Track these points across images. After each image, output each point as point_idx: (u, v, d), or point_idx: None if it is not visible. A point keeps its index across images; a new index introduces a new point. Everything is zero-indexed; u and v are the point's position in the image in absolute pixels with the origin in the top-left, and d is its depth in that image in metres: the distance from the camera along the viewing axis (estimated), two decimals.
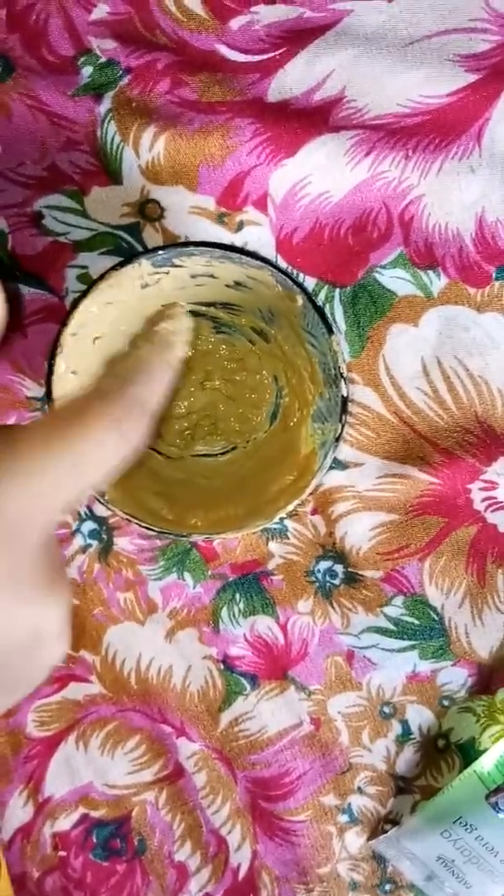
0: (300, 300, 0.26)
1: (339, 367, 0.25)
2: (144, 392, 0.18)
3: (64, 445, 0.15)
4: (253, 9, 0.30)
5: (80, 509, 0.32)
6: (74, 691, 0.32)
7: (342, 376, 0.25)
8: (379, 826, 0.32)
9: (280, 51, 0.30)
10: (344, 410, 0.26)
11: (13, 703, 0.17)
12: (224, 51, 0.30)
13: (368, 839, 0.32)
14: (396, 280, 0.31)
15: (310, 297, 0.25)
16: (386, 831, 0.32)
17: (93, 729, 0.32)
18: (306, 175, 0.30)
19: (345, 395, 0.26)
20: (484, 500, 0.31)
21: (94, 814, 0.32)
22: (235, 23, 0.30)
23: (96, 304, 0.25)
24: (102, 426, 0.16)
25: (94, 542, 0.32)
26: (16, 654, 0.16)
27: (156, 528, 0.26)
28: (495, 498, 0.31)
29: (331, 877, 0.32)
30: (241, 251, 0.25)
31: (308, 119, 0.30)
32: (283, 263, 0.30)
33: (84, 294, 0.25)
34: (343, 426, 0.26)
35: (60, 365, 0.25)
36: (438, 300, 0.31)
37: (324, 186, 0.30)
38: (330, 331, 0.25)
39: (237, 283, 0.27)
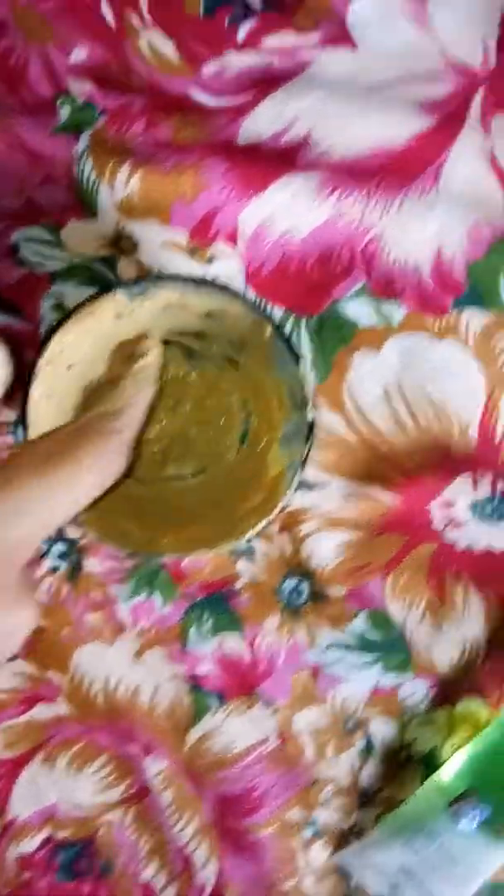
0: (268, 330, 0.27)
1: (305, 394, 0.27)
2: (126, 426, 0.21)
3: (59, 477, 0.18)
4: (224, 56, 0.31)
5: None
6: (41, 712, 0.32)
7: (308, 402, 0.27)
8: (344, 839, 0.33)
9: (249, 95, 0.31)
10: (310, 434, 0.27)
11: None
12: (197, 94, 0.31)
13: (333, 852, 0.33)
14: (359, 310, 0.32)
15: (277, 328, 0.27)
16: (350, 843, 0.33)
17: (59, 749, 0.32)
18: (274, 212, 0.31)
19: (310, 420, 0.27)
20: (442, 518, 0.33)
21: (60, 834, 0.32)
22: (207, 68, 0.31)
23: (72, 333, 0.26)
24: (91, 459, 0.19)
25: (63, 564, 0.32)
26: None
27: (128, 549, 0.27)
28: (453, 517, 0.33)
29: (295, 892, 0.33)
30: (212, 284, 0.26)
31: (276, 160, 0.31)
32: (252, 295, 0.32)
33: (60, 323, 0.26)
34: (309, 449, 0.27)
35: (35, 391, 0.26)
36: (399, 329, 0.32)
37: (290, 223, 0.32)
38: (296, 359, 0.27)
39: (208, 314, 0.28)
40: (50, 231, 0.31)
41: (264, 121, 0.31)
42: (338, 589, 0.33)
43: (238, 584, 0.33)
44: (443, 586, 0.33)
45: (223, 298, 0.27)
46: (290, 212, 0.31)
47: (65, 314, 0.26)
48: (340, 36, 0.32)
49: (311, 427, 0.27)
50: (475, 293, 0.32)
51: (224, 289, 0.26)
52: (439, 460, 0.33)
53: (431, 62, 0.32)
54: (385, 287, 0.32)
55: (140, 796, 0.33)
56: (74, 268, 0.31)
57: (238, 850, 0.33)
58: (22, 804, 0.32)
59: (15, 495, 0.17)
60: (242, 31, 0.31)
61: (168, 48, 0.31)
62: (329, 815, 0.33)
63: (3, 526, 0.17)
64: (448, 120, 0.32)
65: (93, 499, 0.19)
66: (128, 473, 0.31)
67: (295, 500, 0.32)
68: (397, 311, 0.32)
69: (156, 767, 0.32)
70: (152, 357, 0.25)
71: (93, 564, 0.32)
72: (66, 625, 0.32)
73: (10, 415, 0.32)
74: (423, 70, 0.32)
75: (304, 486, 0.32)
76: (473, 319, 0.32)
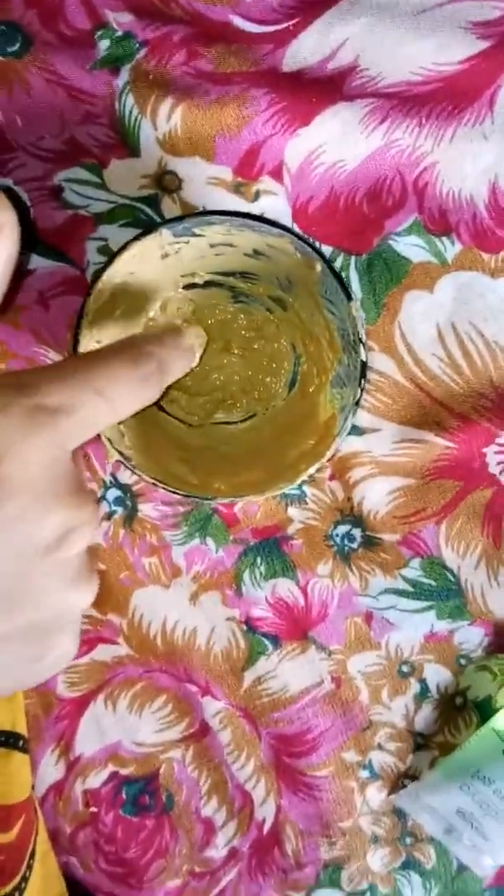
0: (318, 267, 0.26)
1: (359, 333, 0.26)
2: (160, 352, 0.21)
3: (93, 385, 0.19)
4: None
5: (104, 478, 0.33)
6: (102, 653, 0.33)
7: (361, 341, 0.26)
8: (399, 781, 0.33)
9: (294, 21, 0.30)
10: (363, 375, 0.26)
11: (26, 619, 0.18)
12: (238, 22, 0.30)
13: (389, 794, 0.33)
14: (411, 247, 0.31)
15: (328, 264, 0.26)
16: (406, 786, 0.33)
17: (121, 689, 0.33)
18: (321, 144, 0.30)
19: (364, 359, 0.26)
20: (499, 463, 0.32)
21: (124, 771, 0.34)
22: None
23: (119, 274, 0.26)
24: (125, 373, 0.20)
25: (119, 509, 0.33)
26: (35, 558, 0.17)
27: (181, 492, 0.27)
28: None
29: (353, 830, 0.34)
30: (260, 219, 0.25)
31: (322, 88, 0.30)
32: (299, 232, 0.31)
33: (107, 264, 0.25)
34: (362, 390, 0.26)
35: (86, 334, 0.26)
36: (453, 266, 0.31)
37: (338, 155, 0.30)
38: (349, 296, 0.26)
39: (256, 252, 0.27)
40: (93, 171, 0.30)
41: (309, 47, 0.30)
42: (390, 535, 0.32)
43: (290, 530, 0.33)
44: (498, 532, 0.32)
45: (270, 235, 0.26)
46: (338, 143, 0.30)
47: (109, 256, 0.25)
48: None
49: (364, 367, 0.26)
50: None
51: (271, 224, 0.25)
52: (496, 403, 0.32)
53: None
54: (438, 221, 0.31)
55: (199, 735, 0.33)
56: (118, 208, 0.31)
57: (296, 789, 0.33)
58: (87, 742, 0.33)
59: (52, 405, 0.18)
60: None
61: None
62: (384, 757, 0.33)
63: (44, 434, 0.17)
64: (502, 43, 0.30)
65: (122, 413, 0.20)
66: (177, 417, 0.31)
67: (346, 445, 0.32)
68: (451, 247, 0.31)
69: (214, 707, 0.33)
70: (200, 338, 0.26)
71: (148, 510, 0.32)
72: (124, 568, 0.33)
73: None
74: None
75: (356, 431, 0.32)
76: None
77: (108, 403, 0.19)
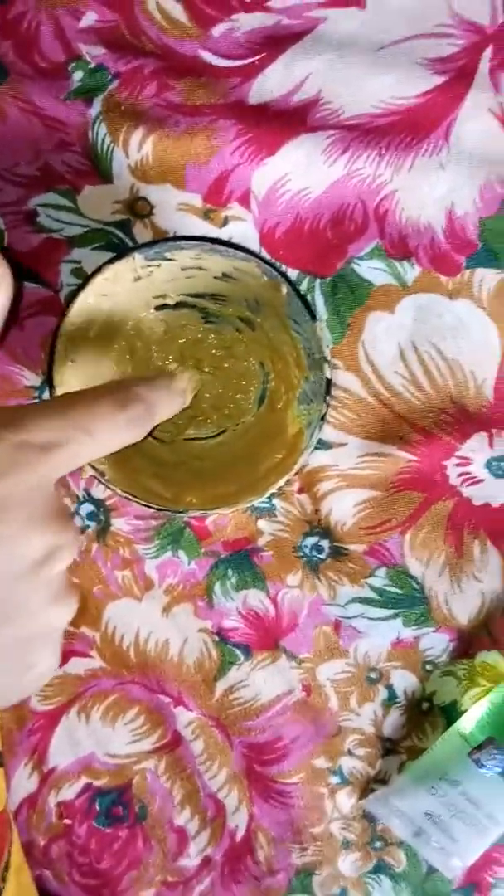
0: (284, 289, 0.27)
1: (323, 351, 0.27)
2: (150, 395, 0.22)
3: (79, 424, 0.20)
4: (233, 16, 0.31)
5: (78, 493, 0.33)
6: (75, 666, 0.34)
7: (326, 360, 0.27)
8: (368, 786, 0.34)
9: (259, 56, 0.31)
10: (328, 391, 0.28)
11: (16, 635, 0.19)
12: (207, 56, 0.31)
13: (359, 799, 0.34)
14: (373, 270, 0.33)
15: (293, 286, 0.27)
16: (375, 791, 0.34)
17: (94, 701, 0.34)
18: (286, 173, 0.32)
19: (329, 377, 0.27)
20: (459, 475, 0.33)
21: (97, 783, 0.34)
22: (217, 30, 0.31)
23: (93, 296, 0.27)
24: (109, 414, 0.21)
25: (93, 524, 0.33)
26: (22, 575, 0.19)
27: (154, 506, 0.28)
28: (469, 473, 0.33)
29: (324, 836, 0.34)
30: (228, 244, 0.27)
31: (287, 120, 0.31)
32: (266, 256, 0.32)
33: (82, 286, 0.26)
34: (328, 406, 0.27)
35: (60, 353, 0.27)
36: (413, 288, 0.33)
37: (303, 183, 0.32)
38: (313, 317, 0.27)
39: (224, 275, 0.29)
40: (67, 197, 0.31)
41: (275, 81, 0.31)
42: (357, 545, 0.33)
43: (261, 542, 0.34)
44: (460, 541, 0.34)
45: (239, 259, 0.27)
46: (302, 172, 0.32)
47: (84, 279, 0.26)
48: None
49: (329, 384, 0.28)
50: (488, 252, 0.32)
51: (240, 249, 0.27)
52: (455, 418, 0.33)
53: (440, 20, 0.32)
54: (398, 246, 0.32)
55: (172, 745, 0.34)
56: (91, 232, 0.32)
57: (267, 796, 0.34)
58: (60, 754, 0.34)
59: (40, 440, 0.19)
60: None
61: (177, 10, 0.31)
62: (354, 763, 0.34)
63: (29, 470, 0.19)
64: (457, 78, 0.32)
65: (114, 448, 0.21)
66: (149, 433, 0.31)
67: (314, 459, 0.33)
68: (411, 271, 0.33)
69: (186, 718, 0.34)
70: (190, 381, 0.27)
71: (120, 524, 0.33)
72: (97, 582, 0.33)
73: (34, 379, 0.33)
74: (432, 28, 0.32)
75: (323, 445, 0.33)
76: (487, 278, 0.32)
77: (94, 441, 0.20)
